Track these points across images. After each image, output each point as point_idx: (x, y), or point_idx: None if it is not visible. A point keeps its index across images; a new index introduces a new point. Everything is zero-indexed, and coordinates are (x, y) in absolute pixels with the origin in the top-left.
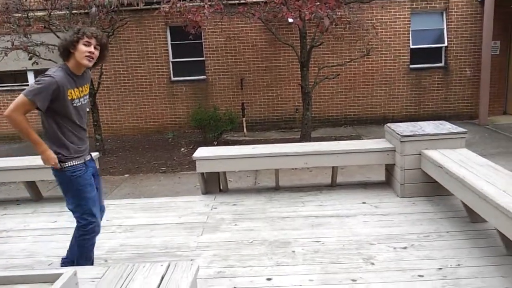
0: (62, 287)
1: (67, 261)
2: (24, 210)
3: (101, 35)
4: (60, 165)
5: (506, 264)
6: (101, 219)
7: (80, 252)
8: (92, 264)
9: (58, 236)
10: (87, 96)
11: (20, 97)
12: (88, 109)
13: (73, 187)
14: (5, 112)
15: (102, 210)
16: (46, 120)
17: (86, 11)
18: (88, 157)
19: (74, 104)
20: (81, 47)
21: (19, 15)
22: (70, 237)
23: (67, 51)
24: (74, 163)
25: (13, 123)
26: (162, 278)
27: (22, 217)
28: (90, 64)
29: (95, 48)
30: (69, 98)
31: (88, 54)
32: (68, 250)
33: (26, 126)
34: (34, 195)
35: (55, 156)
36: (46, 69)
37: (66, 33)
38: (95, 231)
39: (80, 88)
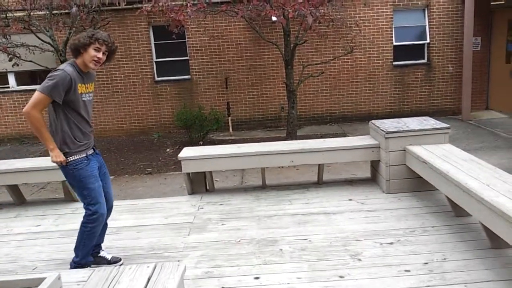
0: None
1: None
2: (7, 214)
3: (112, 43)
4: (67, 158)
5: (491, 257)
6: (109, 215)
7: (80, 238)
8: (89, 253)
9: (42, 240)
10: (92, 94)
11: (37, 94)
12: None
13: (76, 179)
14: (23, 109)
15: (110, 206)
16: (55, 113)
17: (66, 11)
18: (91, 151)
19: (83, 98)
20: (91, 51)
21: None
22: (53, 241)
23: (77, 51)
24: (75, 158)
25: (31, 120)
26: (149, 279)
27: (5, 221)
28: (96, 68)
29: (103, 54)
30: (79, 92)
31: (96, 59)
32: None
33: (42, 124)
34: (17, 199)
35: (62, 155)
36: (27, 71)
37: (82, 33)
38: (98, 220)
39: (86, 85)
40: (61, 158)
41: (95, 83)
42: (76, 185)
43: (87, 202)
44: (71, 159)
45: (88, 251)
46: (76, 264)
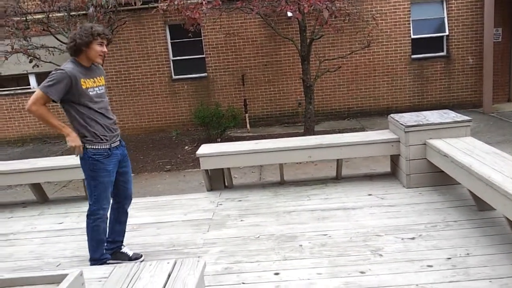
0: (68, 287)
1: (109, 240)
2: (31, 212)
3: (109, 34)
4: (84, 145)
5: None
6: (128, 206)
7: (87, 233)
8: (103, 247)
9: (65, 237)
10: (104, 87)
11: (36, 91)
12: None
13: (90, 167)
14: (27, 106)
15: (128, 197)
16: (68, 112)
17: (84, 12)
18: (116, 143)
19: (90, 93)
20: (96, 47)
21: (18, 18)
22: (76, 238)
23: (79, 49)
24: (97, 147)
25: (34, 114)
26: (169, 275)
27: (28, 219)
28: (101, 61)
29: (106, 46)
30: (84, 87)
31: (101, 53)
32: (109, 231)
33: (47, 114)
34: (40, 197)
35: (79, 139)
36: (47, 72)
37: (77, 31)
38: (99, 214)
39: (93, 79)
40: (78, 142)
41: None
42: (88, 173)
43: (91, 194)
44: (92, 147)
45: (98, 246)
46: (92, 261)
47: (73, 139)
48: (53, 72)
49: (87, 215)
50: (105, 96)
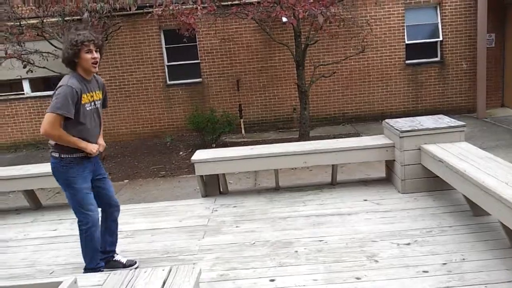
0: None
1: (101, 251)
2: (24, 219)
3: (96, 38)
4: (60, 154)
5: (510, 257)
6: (117, 214)
7: (81, 243)
8: (99, 255)
9: (58, 244)
10: (100, 102)
11: (49, 116)
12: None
13: (63, 176)
14: (41, 131)
15: (114, 204)
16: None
17: (78, 17)
18: (92, 159)
19: (87, 108)
20: (85, 55)
21: (12, 23)
22: (70, 245)
23: (73, 62)
24: (69, 156)
25: (55, 139)
26: (164, 282)
27: (22, 226)
28: (97, 69)
29: (96, 52)
30: (83, 102)
31: (93, 61)
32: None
33: (66, 136)
34: (33, 204)
35: (96, 145)
36: (41, 77)
37: (64, 45)
38: (90, 223)
39: (91, 93)
40: (95, 147)
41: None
42: (64, 183)
43: (73, 204)
44: (67, 156)
45: (93, 255)
46: (87, 270)
47: (92, 148)
48: (57, 90)
49: (79, 226)
50: (100, 114)
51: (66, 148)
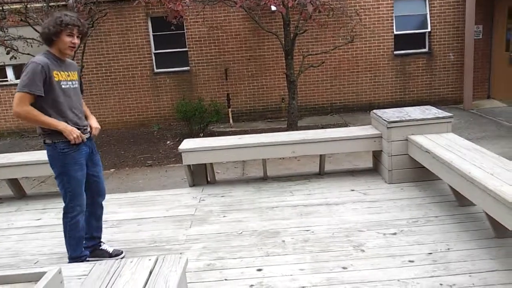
0: (46, 286)
1: (87, 237)
2: (8, 208)
3: (82, 25)
4: (52, 140)
5: (495, 247)
6: (102, 200)
7: (64, 231)
8: (82, 244)
9: (43, 234)
10: (77, 82)
11: (17, 95)
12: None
13: (60, 163)
14: (13, 110)
15: (101, 192)
16: (39, 106)
17: (63, 3)
18: (88, 142)
19: (63, 86)
20: (65, 38)
21: None
22: (55, 234)
23: (50, 39)
24: (65, 140)
25: (23, 117)
26: (151, 272)
27: (5, 215)
28: (72, 53)
29: (77, 37)
30: (56, 79)
31: (71, 44)
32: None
33: (36, 113)
34: (17, 193)
35: (74, 129)
36: (25, 64)
37: (49, 20)
38: (76, 210)
39: (67, 72)
40: (75, 132)
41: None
42: (59, 169)
43: (65, 191)
44: (61, 140)
45: (77, 244)
46: (71, 259)
47: (70, 131)
48: (25, 69)
49: (64, 214)
50: (79, 94)
51: (54, 132)
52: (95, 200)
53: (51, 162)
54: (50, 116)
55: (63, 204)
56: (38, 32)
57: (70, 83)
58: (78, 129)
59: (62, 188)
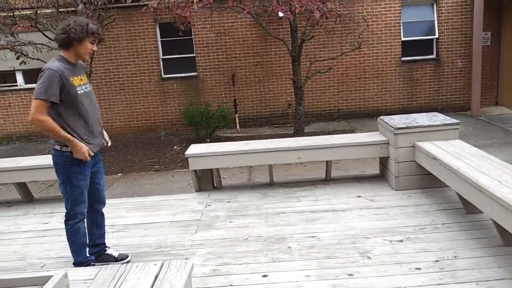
0: None
1: (90, 245)
2: (15, 212)
3: (102, 34)
4: (61, 147)
5: (502, 255)
6: (102, 208)
7: (67, 237)
8: (86, 249)
9: (50, 238)
10: (89, 85)
11: (34, 102)
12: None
13: (65, 171)
14: (30, 117)
15: (101, 200)
16: (55, 113)
17: (73, 9)
18: (95, 151)
19: (79, 91)
20: (88, 44)
21: (5, 14)
22: (62, 238)
23: (69, 44)
24: (68, 150)
25: (38, 125)
26: (156, 277)
27: (13, 219)
28: (89, 59)
29: (96, 45)
30: (74, 84)
31: (91, 51)
32: (88, 235)
33: (53, 124)
34: (25, 197)
35: (87, 148)
36: (35, 69)
37: (71, 24)
38: (77, 218)
39: (80, 77)
40: (84, 148)
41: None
42: (63, 177)
43: (67, 198)
44: (66, 150)
45: (80, 249)
46: (76, 264)
47: (80, 149)
48: (40, 75)
49: (65, 221)
50: (93, 96)
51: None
52: (94, 208)
53: (57, 168)
54: (68, 122)
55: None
56: (48, 38)
57: (83, 87)
58: (93, 136)
59: (65, 195)
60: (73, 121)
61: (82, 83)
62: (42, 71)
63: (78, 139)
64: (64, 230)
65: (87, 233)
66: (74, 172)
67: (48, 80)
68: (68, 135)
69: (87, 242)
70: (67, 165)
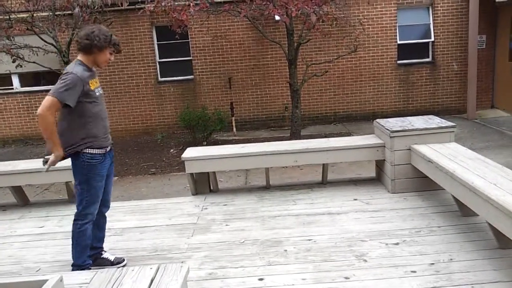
0: None
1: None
2: (11, 215)
3: (121, 46)
4: (81, 149)
5: (498, 258)
6: (106, 210)
7: (72, 237)
8: (87, 252)
9: (46, 241)
10: (101, 89)
11: (49, 98)
12: None
13: (84, 172)
14: (38, 111)
15: (107, 201)
16: (69, 115)
17: (69, 12)
18: (109, 148)
19: (96, 94)
20: (107, 54)
21: (1, 17)
22: (57, 242)
23: (90, 50)
24: (93, 151)
25: (44, 121)
26: (152, 281)
27: (8, 223)
28: (104, 67)
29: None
30: (92, 88)
31: (108, 61)
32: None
33: (54, 129)
34: (21, 200)
35: (54, 157)
36: (31, 72)
37: (96, 31)
38: (88, 218)
39: (95, 80)
40: (58, 161)
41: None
42: (81, 178)
43: (82, 198)
44: (89, 152)
45: (83, 251)
46: (74, 266)
47: (57, 157)
48: (64, 77)
49: (74, 220)
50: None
51: (90, 144)
52: (99, 210)
53: (74, 170)
54: (86, 122)
55: (68, 210)
56: (45, 41)
57: (98, 89)
58: (107, 134)
59: (80, 195)
60: (94, 121)
61: (97, 86)
62: (66, 73)
63: (98, 140)
64: (61, 233)
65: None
66: (94, 173)
67: (70, 83)
68: (59, 145)
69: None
70: (86, 167)
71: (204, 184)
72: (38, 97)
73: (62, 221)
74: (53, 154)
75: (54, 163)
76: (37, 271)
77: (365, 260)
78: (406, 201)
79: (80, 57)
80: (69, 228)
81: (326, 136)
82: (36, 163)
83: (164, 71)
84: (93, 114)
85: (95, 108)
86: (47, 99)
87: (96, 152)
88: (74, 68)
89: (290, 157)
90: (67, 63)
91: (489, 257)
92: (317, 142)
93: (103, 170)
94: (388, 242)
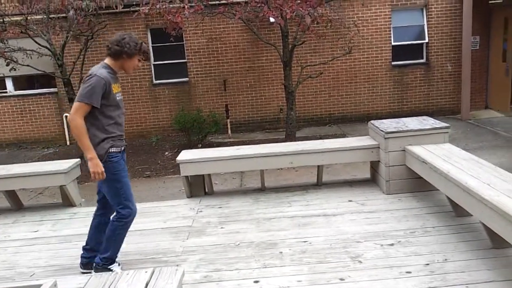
0: None
1: (87, 248)
2: (4, 220)
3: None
4: (107, 150)
5: (492, 257)
6: (111, 215)
7: (112, 234)
8: (118, 251)
9: (39, 246)
10: (121, 94)
11: (77, 104)
12: None
13: (111, 171)
14: (69, 116)
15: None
16: (94, 115)
17: (63, 15)
18: (124, 147)
19: (118, 98)
20: (136, 61)
21: None
22: (51, 246)
23: (120, 56)
24: (112, 150)
25: (73, 123)
26: (147, 285)
27: (2, 227)
28: (130, 73)
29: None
30: (114, 92)
31: (136, 68)
32: (89, 238)
33: (85, 132)
34: (14, 205)
35: (101, 165)
36: (25, 75)
37: (127, 38)
38: (132, 215)
39: (117, 84)
40: (100, 168)
41: None
42: (111, 178)
43: (120, 197)
44: (113, 150)
45: (120, 246)
46: (106, 258)
47: (96, 164)
48: (87, 79)
49: (118, 219)
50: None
51: (113, 142)
52: (105, 213)
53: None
54: (108, 123)
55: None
56: (39, 44)
57: (119, 94)
58: (121, 136)
59: (117, 196)
60: (115, 123)
61: (119, 91)
62: (89, 76)
63: (119, 139)
64: (55, 237)
65: (87, 236)
66: (120, 169)
67: (94, 85)
68: (91, 148)
69: (85, 244)
70: (112, 164)
71: (199, 187)
72: (32, 101)
73: (56, 225)
74: (89, 163)
75: (97, 174)
76: (31, 276)
77: (360, 261)
78: (400, 202)
79: (107, 61)
80: (63, 232)
81: (321, 137)
82: (30, 167)
83: (159, 74)
84: (113, 117)
85: (116, 111)
86: (75, 105)
87: (117, 150)
88: (99, 70)
89: (285, 159)
90: (61, 66)
91: (483, 257)
92: (312, 143)
93: (124, 166)
94: (383, 243)
